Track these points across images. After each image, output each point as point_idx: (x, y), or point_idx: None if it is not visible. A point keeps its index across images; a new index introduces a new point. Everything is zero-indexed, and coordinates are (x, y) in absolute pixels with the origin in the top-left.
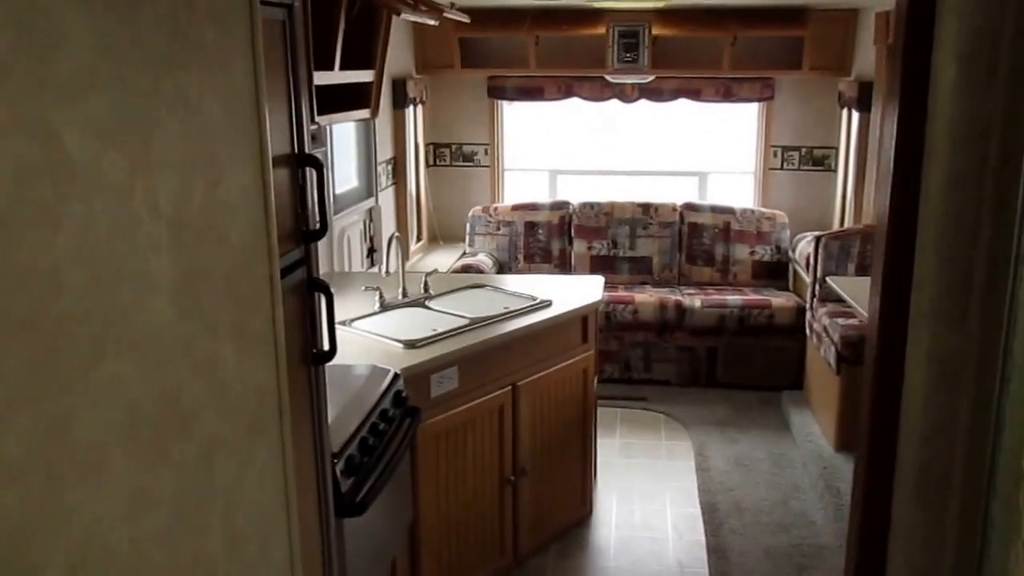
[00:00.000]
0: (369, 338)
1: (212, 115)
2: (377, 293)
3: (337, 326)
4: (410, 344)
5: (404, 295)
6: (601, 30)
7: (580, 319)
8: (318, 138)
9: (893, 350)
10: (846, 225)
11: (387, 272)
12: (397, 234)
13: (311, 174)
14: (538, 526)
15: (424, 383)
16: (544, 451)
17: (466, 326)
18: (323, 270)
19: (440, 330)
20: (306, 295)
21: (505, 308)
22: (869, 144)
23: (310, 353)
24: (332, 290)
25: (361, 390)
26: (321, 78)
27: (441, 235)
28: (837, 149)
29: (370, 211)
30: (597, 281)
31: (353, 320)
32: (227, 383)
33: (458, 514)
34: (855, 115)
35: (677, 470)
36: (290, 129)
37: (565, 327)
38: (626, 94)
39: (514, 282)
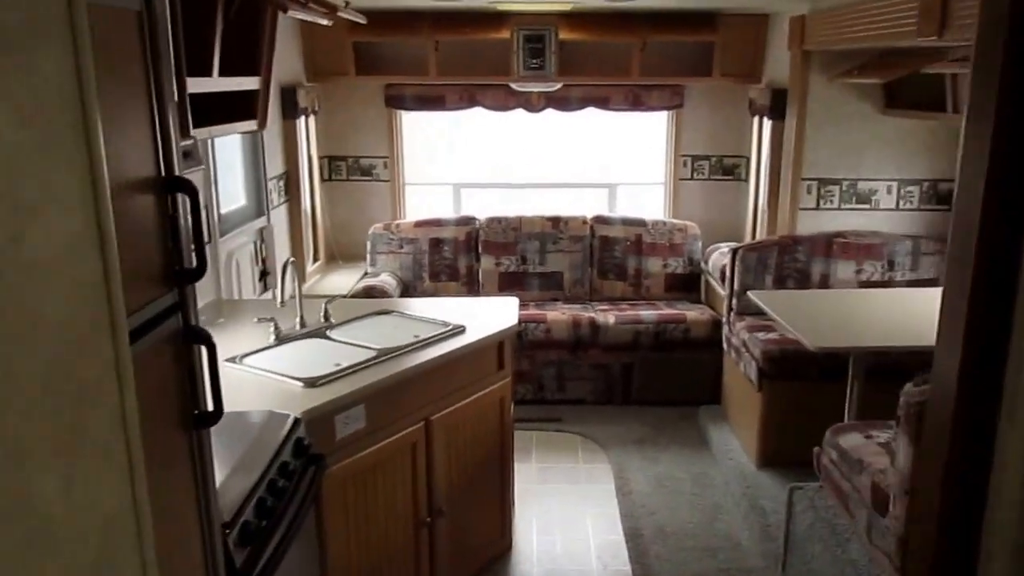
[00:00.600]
0: (264, 377)
1: None
2: (272, 324)
3: (227, 364)
4: (311, 382)
5: (302, 325)
6: (505, 34)
7: (495, 345)
8: (193, 155)
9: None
10: (759, 236)
11: (282, 302)
12: (292, 259)
13: (183, 201)
14: (457, 565)
15: (328, 425)
16: (461, 487)
17: (373, 359)
18: (209, 298)
19: (344, 364)
20: (182, 348)
21: (415, 336)
22: (784, 152)
23: (190, 416)
24: (215, 336)
25: (256, 442)
26: (197, 85)
27: (340, 254)
28: (748, 158)
29: (261, 231)
30: (511, 303)
31: (245, 356)
32: (52, 524)
33: (371, 564)
34: (767, 123)
35: (597, 494)
36: (154, 146)
37: (480, 354)
38: (532, 103)
39: (422, 306)
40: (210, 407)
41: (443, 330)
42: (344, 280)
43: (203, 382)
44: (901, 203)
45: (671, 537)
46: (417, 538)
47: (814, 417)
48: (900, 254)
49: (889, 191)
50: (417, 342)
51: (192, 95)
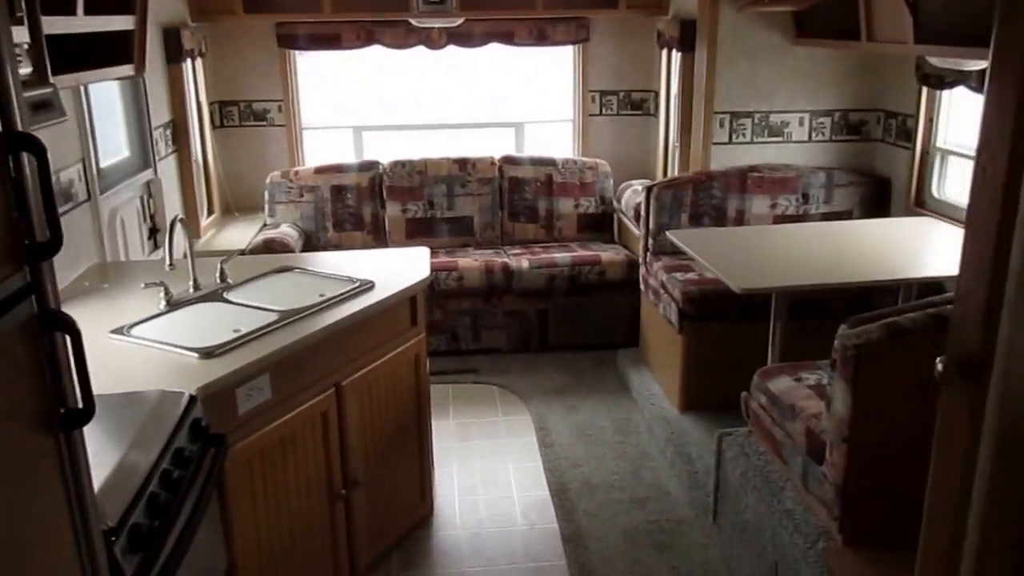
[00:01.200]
0: (154, 349)
1: None
2: (162, 289)
3: (113, 336)
4: (207, 352)
5: (196, 288)
6: None
7: (407, 300)
8: (53, 105)
9: None
10: (672, 172)
11: (171, 264)
12: (180, 216)
13: (29, 161)
14: (376, 536)
15: (229, 399)
16: (377, 454)
17: (276, 322)
18: (93, 261)
19: (244, 330)
20: (40, 337)
21: (321, 296)
22: (695, 87)
23: (57, 416)
24: (99, 305)
25: (145, 429)
26: (58, 25)
27: (236, 206)
28: (657, 92)
29: (148, 184)
30: (421, 253)
31: (132, 326)
32: None
33: (283, 545)
34: (676, 56)
35: (519, 448)
36: None
37: (391, 311)
38: (433, 40)
39: (327, 261)
40: (80, 404)
41: (351, 287)
42: (242, 234)
43: (70, 374)
44: (813, 135)
45: (597, 490)
46: (332, 512)
47: (736, 358)
48: (814, 187)
49: (801, 123)
50: (323, 301)
51: (53, 37)
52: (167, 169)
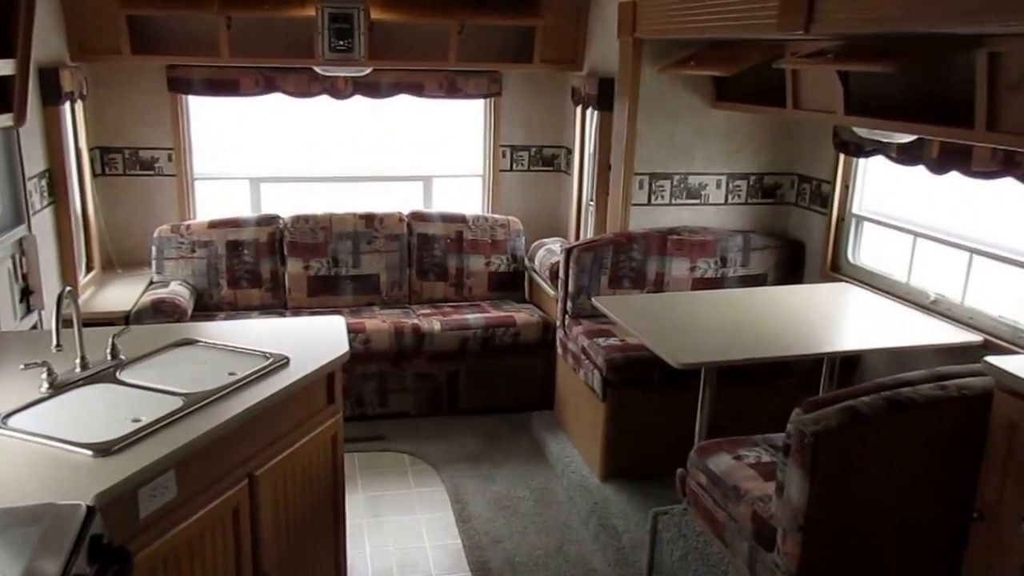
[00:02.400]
0: (38, 444)
1: None
2: (44, 370)
3: None
4: (103, 449)
5: (84, 367)
6: (309, 12)
7: (324, 377)
8: None
9: None
10: (585, 231)
11: (58, 345)
12: (69, 288)
13: None
14: None
15: (129, 502)
16: (290, 544)
17: (181, 409)
18: None
19: (145, 419)
20: None
21: (231, 375)
22: (614, 146)
23: None
24: None
25: (36, 558)
26: None
27: (119, 261)
28: (571, 149)
29: (21, 242)
30: (336, 323)
31: (10, 415)
32: None
33: None
34: (592, 114)
35: (435, 524)
36: None
37: (308, 390)
38: (339, 89)
39: (232, 331)
40: None
41: (263, 364)
42: (125, 292)
43: None
44: (730, 197)
45: (521, 568)
46: None
47: (660, 426)
48: (732, 250)
49: (718, 185)
50: (234, 382)
51: None
52: (42, 223)
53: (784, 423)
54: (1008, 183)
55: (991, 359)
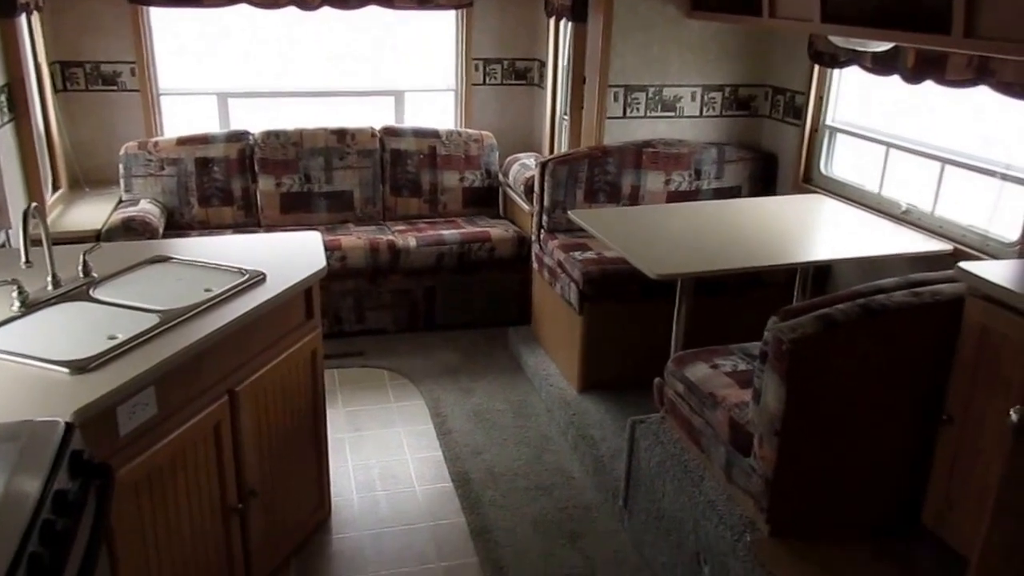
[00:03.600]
0: (13, 363)
1: None
2: (15, 288)
3: None
4: (80, 366)
5: (56, 284)
6: None
7: (302, 292)
8: None
9: None
10: (559, 146)
11: (27, 262)
12: (35, 204)
13: None
14: (273, 548)
15: (108, 419)
16: (273, 460)
17: (158, 325)
18: None
19: (121, 336)
20: None
21: (207, 291)
22: (588, 58)
23: None
24: None
25: (16, 473)
26: None
27: (85, 180)
28: (544, 62)
29: None
30: (313, 239)
31: None
32: None
33: (175, 571)
34: (566, 26)
35: (416, 437)
36: None
37: (286, 306)
38: (306, 0)
39: (206, 248)
40: None
41: (240, 280)
42: (94, 211)
43: None
44: (705, 109)
45: (501, 478)
46: (227, 527)
47: (636, 338)
48: (706, 163)
49: (693, 98)
50: (211, 298)
51: None
52: (3, 140)
53: (757, 334)
54: (980, 92)
55: (964, 265)
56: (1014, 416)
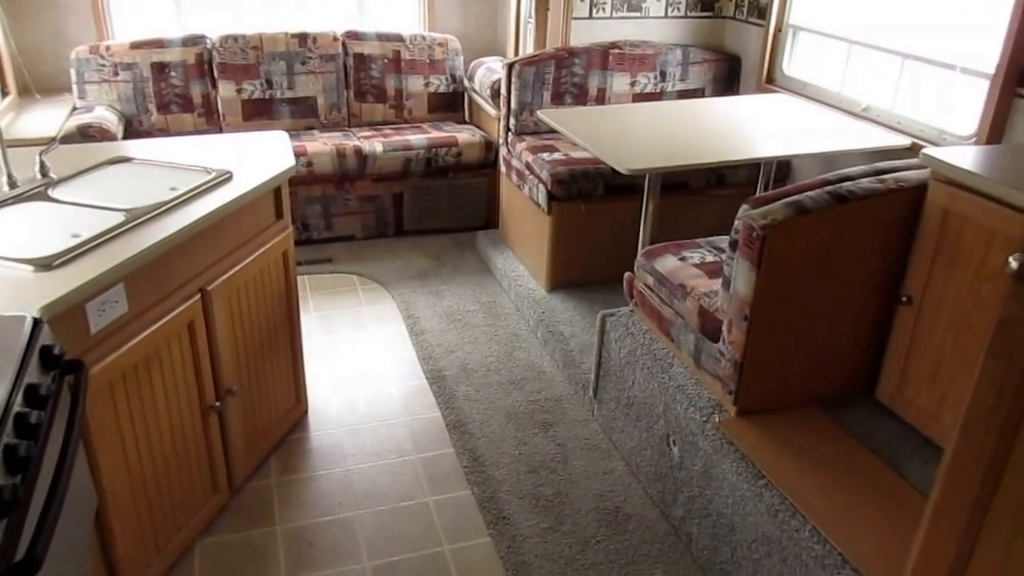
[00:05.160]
0: None
1: None
2: None
3: None
4: (44, 263)
5: (12, 185)
6: None
7: (271, 192)
8: None
9: None
10: (523, 49)
11: None
12: None
13: None
14: (253, 446)
15: (78, 317)
16: (248, 359)
17: (124, 223)
18: None
19: (85, 235)
20: None
21: (173, 190)
22: None
23: None
24: None
25: None
26: None
27: (36, 87)
28: None
29: None
30: (280, 138)
31: None
32: None
33: (156, 469)
34: None
35: (389, 337)
36: None
37: (255, 205)
38: None
39: (170, 149)
40: None
41: (206, 179)
42: (47, 119)
43: None
44: (670, 10)
45: (475, 374)
46: (206, 426)
47: (602, 236)
48: (671, 64)
49: None
50: (177, 197)
51: None
52: None
53: (720, 231)
54: None
55: (928, 150)
56: (1014, 263)
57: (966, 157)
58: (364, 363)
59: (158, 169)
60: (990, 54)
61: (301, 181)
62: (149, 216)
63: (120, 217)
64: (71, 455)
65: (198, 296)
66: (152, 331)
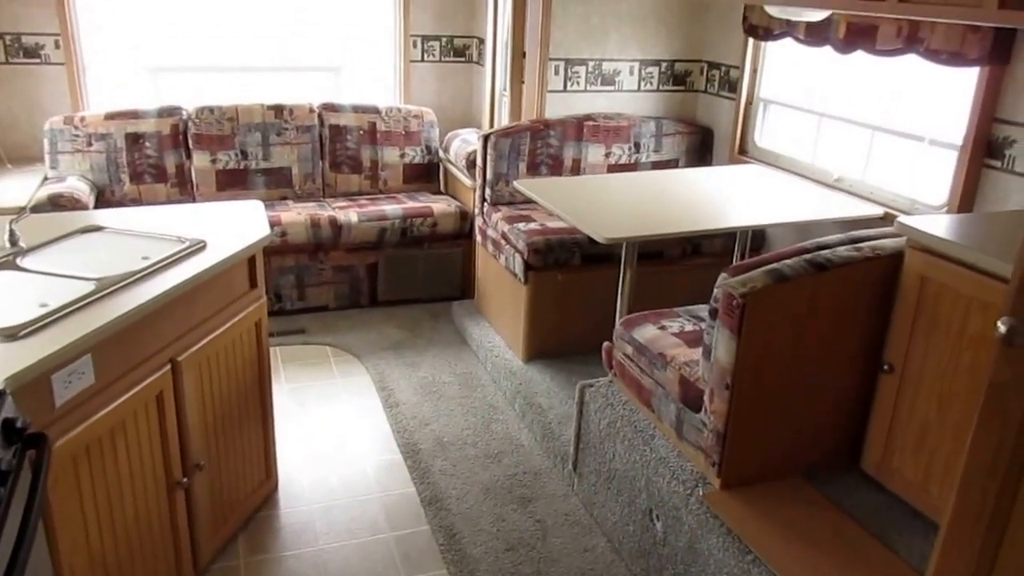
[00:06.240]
0: None
1: None
2: None
3: None
4: (10, 334)
5: None
6: None
7: (246, 260)
8: None
9: None
10: (499, 121)
11: None
12: None
13: None
14: (220, 523)
15: (43, 388)
16: (218, 432)
17: (93, 293)
18: None
19: (53, 304)
20: None
21: (145, 259)
22: (528, 32)
23: None
24: None
25: None
26: None
27: (8, 156)
28: (483, 39)
29: None
30: (255, 208)
31: None
32: None
33: (117, 548)
34: (506, 1)
35: (363, 411)
36: None
37: (229, 274)
38: None
39: (143, 218)
40: None
41: (179, 248)
42: (18, 188)
43: None
44: (642, 84)
45: (450, 447)
46: (172, 502)
47: (578, 306)
48: (645, 136)
49: (631, 72)
50: (149, 266)
51: None
52: None
53: (697, 300)
54: (908, 61)
55: (903, 219)
56: (1002, 327)
57: (940, 225)
58: (337, 436)
59: (130, 238)
60: (957, 126)
61: (274, 251)
62: (120, 285)
63: (90, 286)
64: (30, 536)
65: (168, 366)
66: (119, 403)
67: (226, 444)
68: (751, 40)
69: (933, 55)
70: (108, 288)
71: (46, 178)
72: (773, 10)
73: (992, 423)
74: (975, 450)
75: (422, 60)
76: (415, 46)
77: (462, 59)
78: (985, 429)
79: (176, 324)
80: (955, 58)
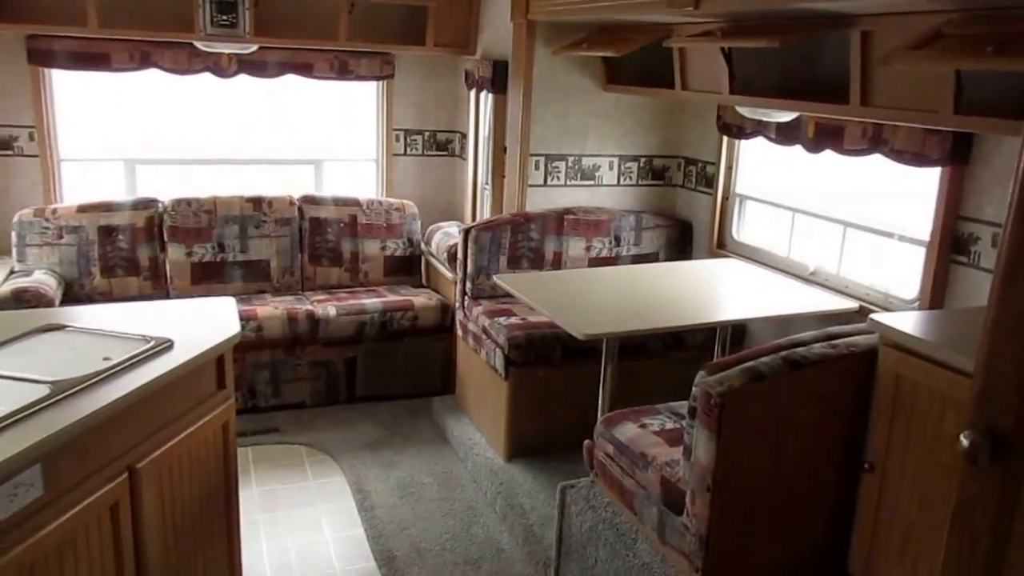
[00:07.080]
0: None
1: None
2: None
3: None
4: None
5: None
6: None
7: (214, 360)
8: None
9: None
10: (481, 215)
11: None
12: None
13: None
14: None
15: None
16: (178, 545)
17: (47, 397)
18: None
19: (2, 410)
20: None
21: (106, 360)
22: (509, 128)
23: None
24: None
25: None
26: None
27: None
28: (465, 134)
29: None
30: (225, 304)
31: None
32: None
33: None
34: (487, 97)
35: (336, 515)
36: None
37: (195, 375)
38: (222, 67)
39: (107, 316)
40: None
41: (144, 347)
42: None
43: None
44: (622, 179)
45: (428, 554)
46: None
47: (561, 402)
48: (625, 229)
49: (611, 167)
50: (110, 368)
51: None
52: None
53: (680, 395)
54: (874, 160)
55: (876, 316)
56: (964, 441)
57: (910, 322)
58: (307, 545)
59: (93, 337)
60: (925, 223)
61: (249, 346)
62: (76, 389)
63: (44, 390)
64: None
65: (125, 475)
66: (69, 516)
67: (187, 559)
68: (725, 138)
69: (897, 155)
70: (64, 392)
71: (12, 271)
72: (744, 111)
73: (961, 539)
74: (947, 567)
75: (405, 153)
76: (398, 140)
77: (444, 153)
78: (956, 545)
79: (136, 429)
80: (917, 158)
